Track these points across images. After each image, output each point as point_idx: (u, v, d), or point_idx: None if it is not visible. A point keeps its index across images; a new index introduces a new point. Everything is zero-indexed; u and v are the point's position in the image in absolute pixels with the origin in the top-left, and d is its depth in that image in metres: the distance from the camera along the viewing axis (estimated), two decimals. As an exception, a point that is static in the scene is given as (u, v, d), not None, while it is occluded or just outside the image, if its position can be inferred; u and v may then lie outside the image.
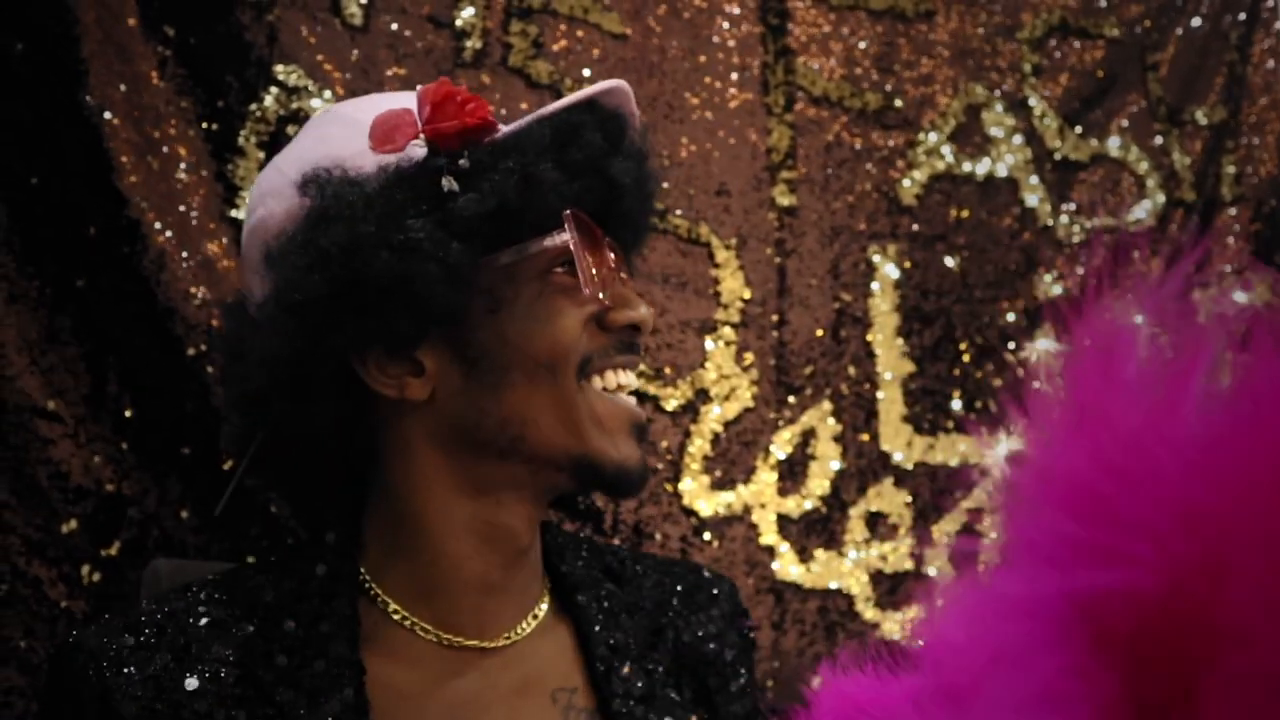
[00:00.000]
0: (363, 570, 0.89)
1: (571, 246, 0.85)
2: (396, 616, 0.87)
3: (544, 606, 0.94)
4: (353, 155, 0.84)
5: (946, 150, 1.80)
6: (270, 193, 0.88)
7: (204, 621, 0.84)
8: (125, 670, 0.81)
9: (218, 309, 1.40)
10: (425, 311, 0.82)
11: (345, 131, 0.87)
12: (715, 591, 1.03)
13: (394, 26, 1.53)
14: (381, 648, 0.86)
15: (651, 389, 1.61)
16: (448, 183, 0.82)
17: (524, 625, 0.91)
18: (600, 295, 0.86)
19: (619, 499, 0.93)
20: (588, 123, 0.86)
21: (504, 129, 0.86)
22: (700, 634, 1.00)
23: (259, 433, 0.90)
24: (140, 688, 0.80)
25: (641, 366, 0.98)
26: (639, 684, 0.92)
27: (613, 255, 0.90)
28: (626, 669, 0.93)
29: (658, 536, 1.59)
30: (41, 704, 0.88)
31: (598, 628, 0.94)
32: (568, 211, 0.85)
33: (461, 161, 0.82)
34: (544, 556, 0.97)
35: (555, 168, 0.83)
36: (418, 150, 0.84)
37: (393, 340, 0.84)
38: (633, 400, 0.90)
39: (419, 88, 0.86)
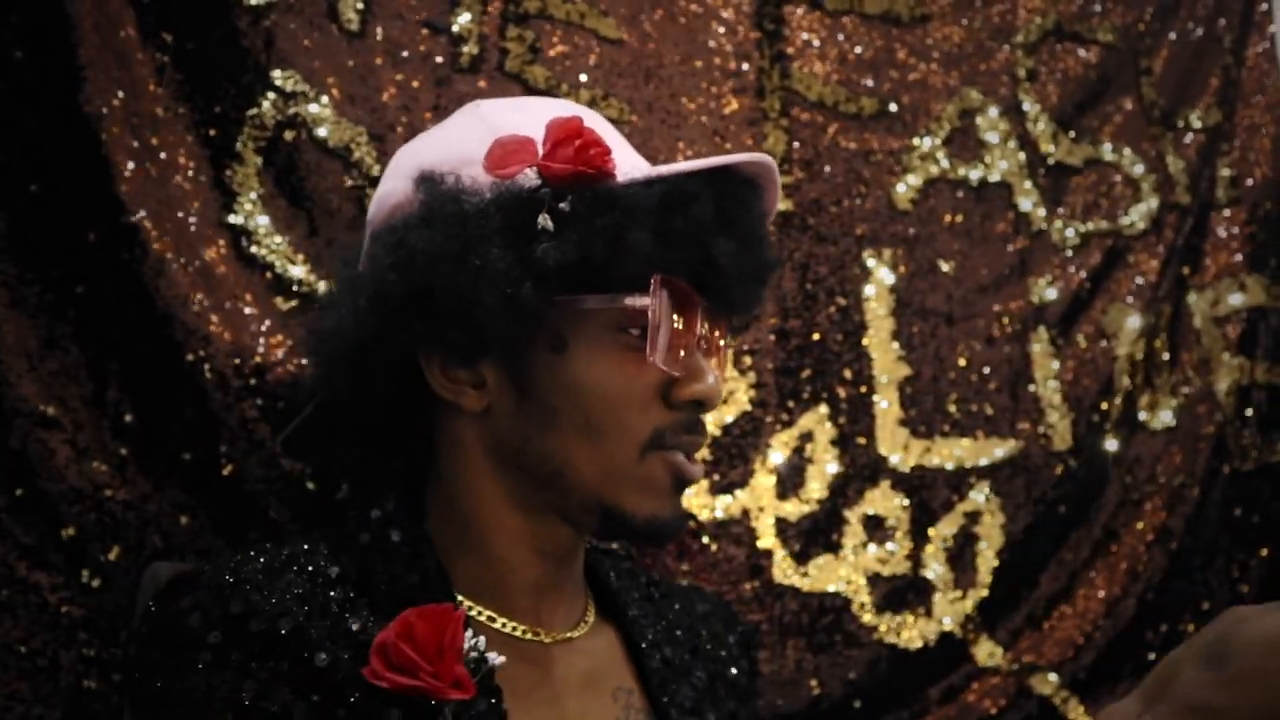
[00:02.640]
0: (440, 561, 0.89)
1: (650, 312, 0.84)
2: (463, 605, 0.88)
3: (592, 612, 0.96)
4: (478, 162, 0.86)
5: (941, 155, 1.81)
6: (400, 171, 0.90)
7: (307, 571, 0.84)
8: (270, 591, 0.80)
9: (216, 314, 1.40)
10: (483, 336, 0.83)
11: (479, 133, 0.88)
12: (726, 618, 1.06)
13: (391, 32, 1.53)
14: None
15: None
16: (543, 220, 0.81)
17: (578, 627, 0.93)
18: (662, 364, 0.85)
19: (650, 550, 0.94)
20: (704, 194, 0.84)
21: (620, 177, 0.85)
22: (724, 656, 1.03)
23: (324, 390, 0.92)
24: (300, 601, 0.80)
25: None
26: (689, 699, 0.94)
27: (706, 325, 0.89)
28: (677, 683, 0.95)
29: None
30: (155, 666, 0.81)
31: (650, 640, 0.96)
32: (658, 276, 0.84)
33: (563, 205, 0.82)
34: (585, 572, 0.99)
35: (652, 234, 0.82)
36: (528, 179, 0.84)
37: (456, 350, 0.86)
38: (691, 465, 0.89)
39: (550, 119, 0.85)
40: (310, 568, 0.84)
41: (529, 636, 0.90)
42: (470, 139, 0.88)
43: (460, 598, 0.88)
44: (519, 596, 0.90)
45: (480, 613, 0.89)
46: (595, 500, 0.87)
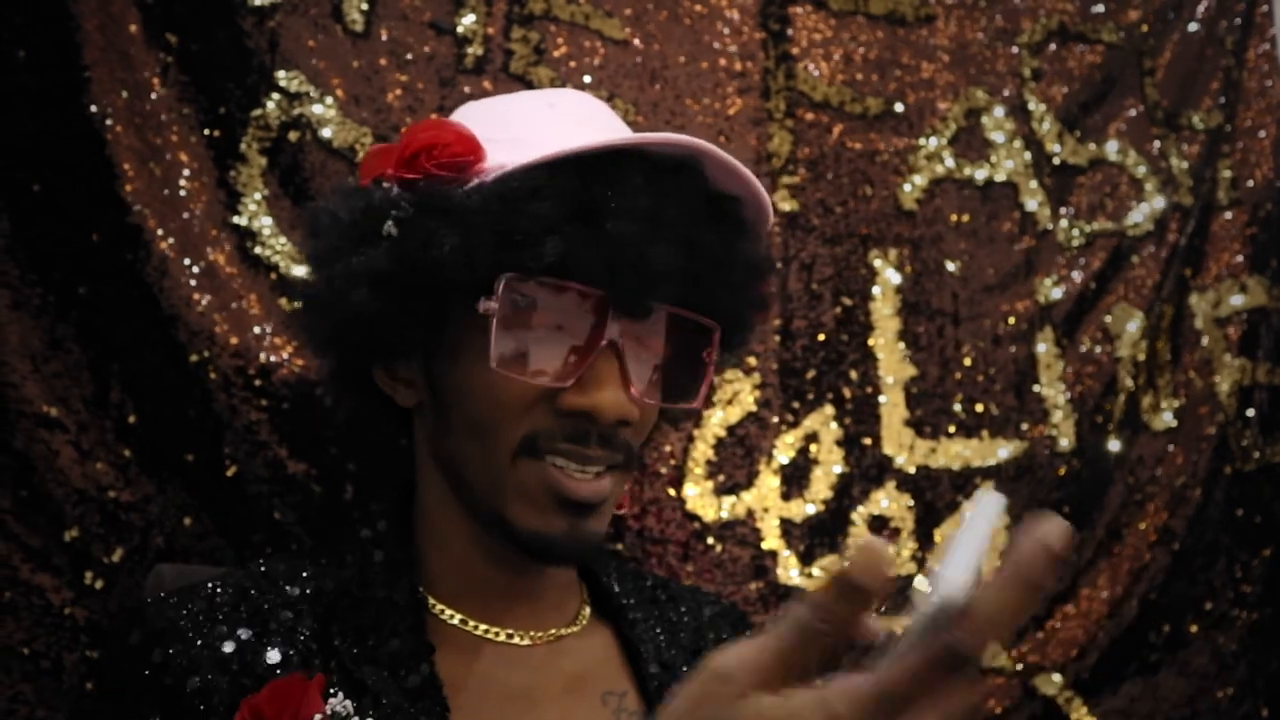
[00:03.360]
0: (418, 585, 0.89)
1: (491, 317, 0.79)
2: (436, 610, 0.88)
3: (585, 614, 0.95)
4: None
5: (947, 155, 1.80)
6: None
7: (279, 599, 0.83)
8: (200, 641, 0.79)
9: (220, 315, 1.40)
10: (365, 343, 0.85)
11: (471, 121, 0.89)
12: (735, 621, 1.05)
13: (396, 33, 1.53)
14: (434, 637, 0.86)
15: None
16: (387, 227, 0.80)
17: (565, 629, 0.92)
18: (504, 369, 0.80)
19: (547, 564, 0.88)
20: (550, 186, 0.78)
21: (479, 178, 0.81)
22: None
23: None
24: (221, 657, 0.79)
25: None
26: None
27: (624, 338, 0.82)
28: (676, 686, 0.94)
29: (661, 542, 1.59)
30: (100, 683, 0.85)
31: (648, 643, 0.95)
32: (502, 279, 0.79)
33: (401, 211, 0.81)
34: (582, 572, 0.98)
35: (493, 234, 0.78)
36: (394, 187, 0.83)
37: (375, 353, 0.88)
38: (579, 478, 0.83)
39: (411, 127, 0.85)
40: (265, 602, 0.83)
41: (502, 639, 0.89)
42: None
43: (435, 603, 0.88)
44: (490, 599, 0.89)
45: (452, 616, 0.88)
46: (486, 506, 0.84)
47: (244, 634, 0.81)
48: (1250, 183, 1.96)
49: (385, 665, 0.82)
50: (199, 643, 0.80)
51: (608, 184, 0.79)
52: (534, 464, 0.82)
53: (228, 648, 0.80)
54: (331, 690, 0.78)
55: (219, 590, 0.83)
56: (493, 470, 0.83)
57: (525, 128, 0.85)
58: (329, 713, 0.77)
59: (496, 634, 0.89)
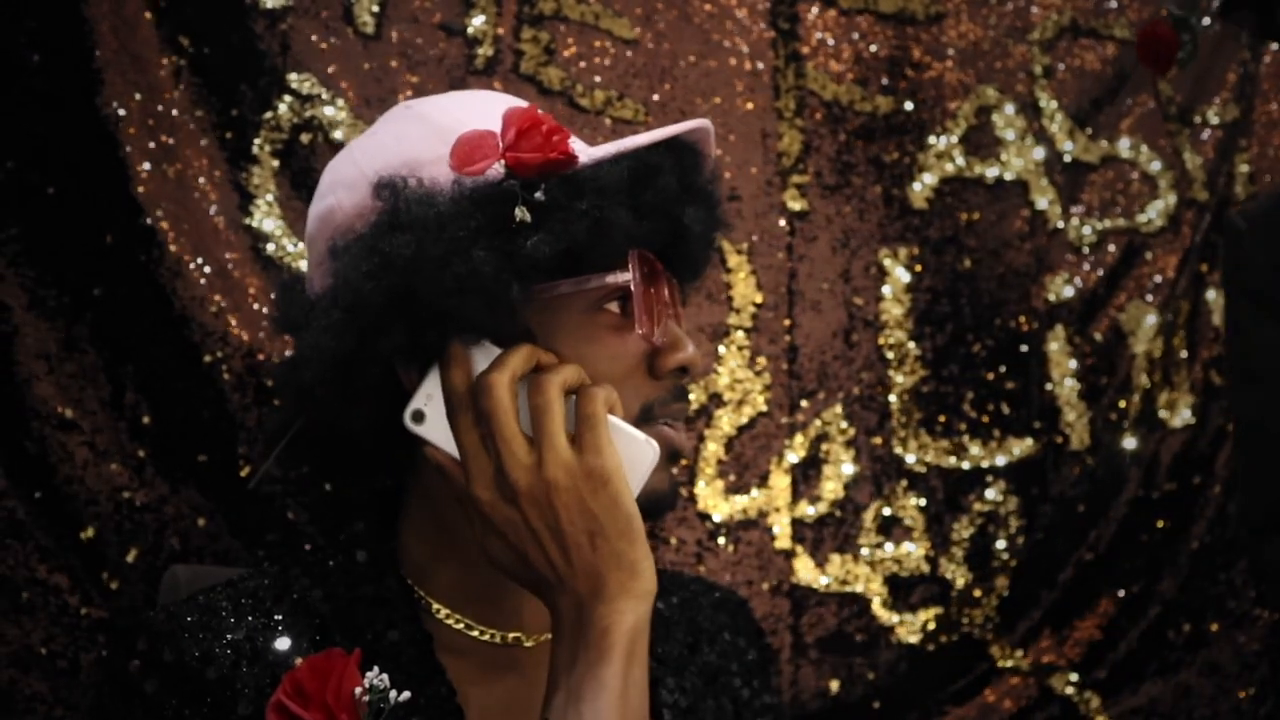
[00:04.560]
0: (405, 576, 0.89)
1: (633, 287, 0.84)
2: (440, 615, 0.88)
3: None
4: (429, 162, 0.83)
5: (957, 153, 1.80)
6: (342, 183, 0.88)
7: (278, 602, 0.85)
8: (206, 635, 0.81)
9: (233, 316, 1.41)
10: (471, 335, 0.82)
11: (423, 133, 0.86)
12: (735, 608, 1.05)
13: (406, 35, 1.54)
14: (439, 643, 0.86)
15: None
16: (521, 213, 0.80)
17: None
18: (654, 337, 0.85)
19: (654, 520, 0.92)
20: (665, 164, 0.84)
21: (582, 159, 0.83)
22: (728, 650, 1.01)
23: (300, 418, 0.91)
24: (232, 646, 0.81)
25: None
26: (682, 696, 0.93)
27: (668, 294, 0.89)
28: (671, 680, 0.94)
29: (672, 541, 1.59)
30: (113, 695, 0.85)
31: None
32: (634, 251, 0.84)
33: (538, 195, 0.80)
34: None
35: (628, 210, 0.82)
36: (495, 172, 0.82)
37: (434, 355, 0.83)
38: (680, 435, 0.89)
39: (506, 109, 0.83)
40: (264, 604, 0.84)
41: (508, 641, 0.89)
42: (412, 140, 0.86)
43: (437, 607, 0.88)
44: (505, 597, 0.88)
45: (458, 621, 0.88)
46: None
47: (250, 624, 0.82)
48: (1268, 177, 1.94)
49: (388, 658, 0.82)
50: (208, 637, 0.80)
51: (691, 165, 0.88)
52: (652, 429, 0.85)
53: (237, 636, 0.81)
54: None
55: (215, 593, 0.85)
56: None
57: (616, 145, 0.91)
58: (368, 686, 0.77)
59: (503, 638, 0.89)
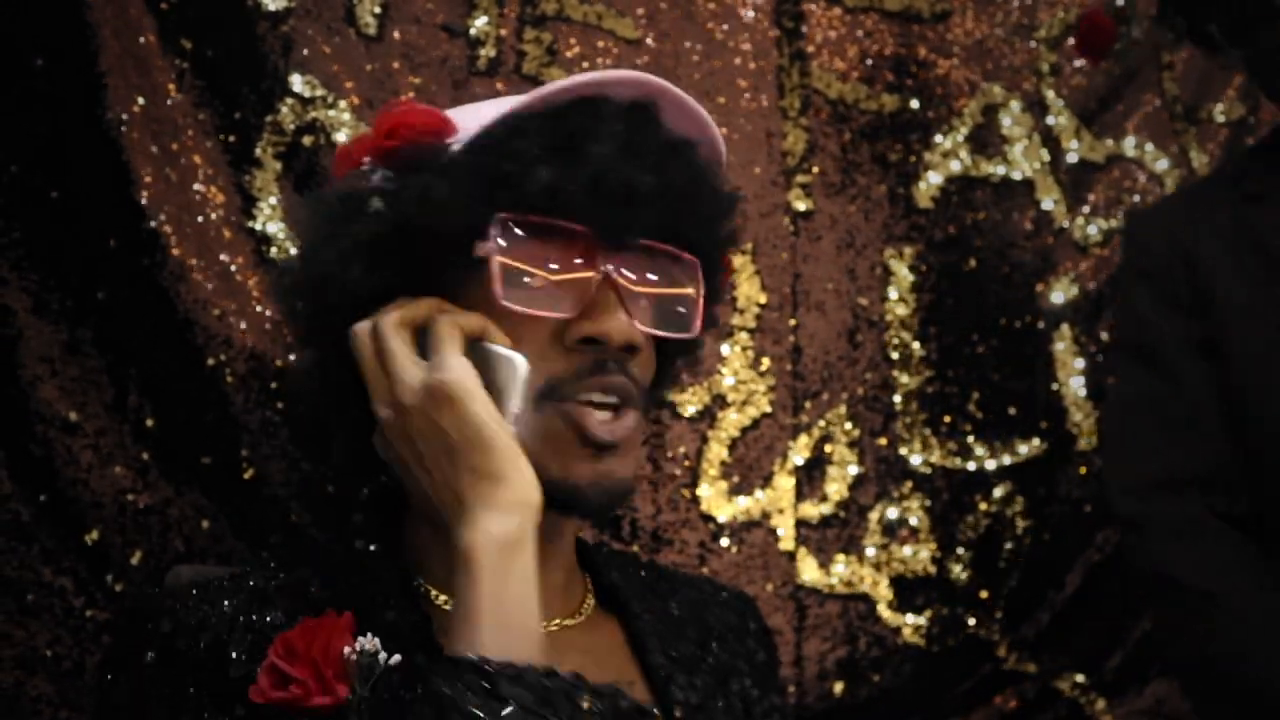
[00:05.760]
0: (404, 566, 0.89)
1: (489, 256, 0.81)
2: (439, 601, 0.87)
3: (589, 606, 0.94)
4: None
5: (963, 152, 1.79)
6: None
7: (274, 582, 0.85)
8: (204, 607, 0.81)
9: (236, 319, 1.41)
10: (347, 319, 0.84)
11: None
12: (743, 609, 1.04)
13: (408, 36, 1.53)
14: (439, 630, 0.86)
15: (668, 395, 1.61)
16: (374, 202, 0.82)
17: (569, 619, 0.92)
18: (513, 303, 0.81)
19: (589, 520, 0.89)
20: (532, 127, 0.82)
21: (460, 135, 0.84)
22: (738, 650, 1.01)
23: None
24: (227, 615, 0.81)
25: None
26: (693, 694, 0.93)
27: (611, 266, 0.84)
28: (683, 678, 0.93)
29: (676, 543, 1.59)
30: (116, 670, 0.86)
31: (653, 634, 0.94)
32: (498, 217, 0.81)
33: (375, 178, 0.83)
34: (584, 566, 0.97)
35: (476, 178, 0.81)
36: (365, 168, 0.85)
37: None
38: (600, 416, 0.83)
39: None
40: (253, 584, 0.84)
41: None
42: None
43: (435, 593, 0.87)
44: None
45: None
46: None
47: (246, 599, 0.82)
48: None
49: (387, 637, 0.82)
50: (204, 608, 0.81)
51: (583, 119, 0.82)
52: (556, 407, 0.82)
53: (232, 605, 0.81)
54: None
55: (216, 577, 0.86)
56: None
57: (492, 108, 0.88)
58: (359, 648, 0.77)
59: None
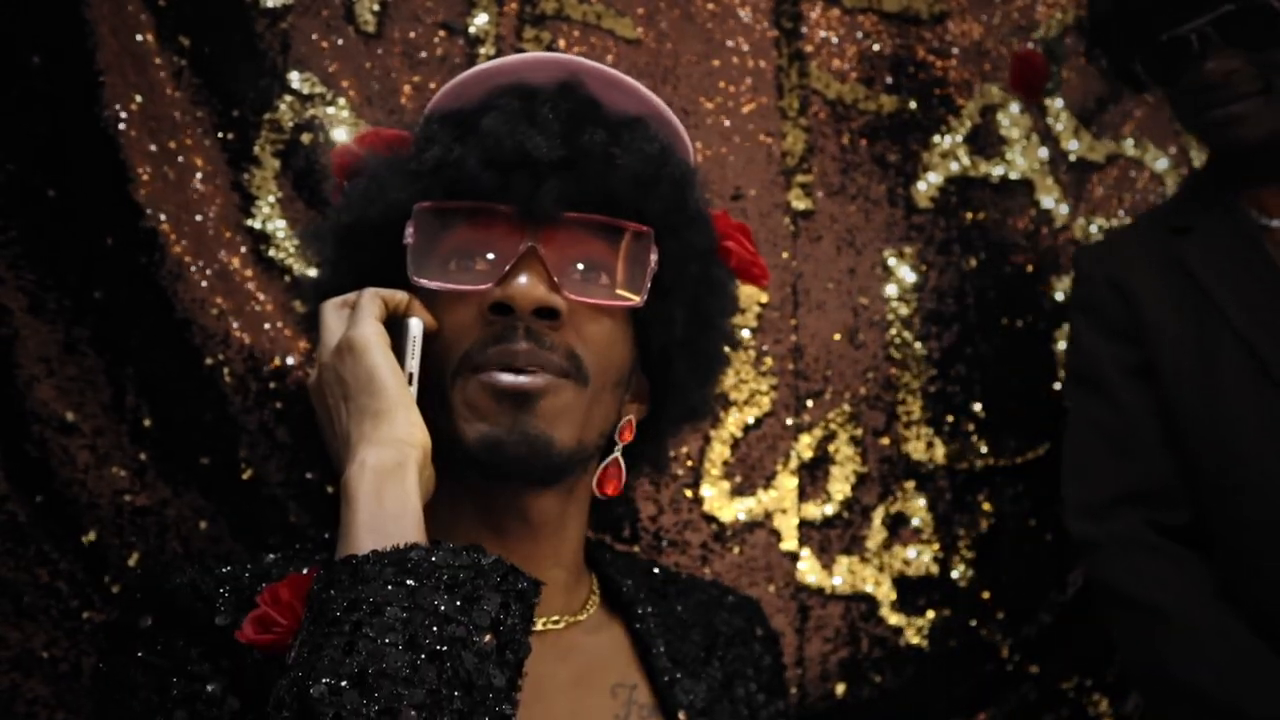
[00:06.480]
0: None
1: (406, 239, 0.90)
2: None
3: (594, 605, 0.94)
4: None
5: (962, 152, 1.79)
6: None
7: (266, 567, 0.88)
8: (201, 574, 0.86)
9: (234, 318, 1.40)
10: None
11: None
12: (750, 614, 1.04)
13: (408, 34, 1.53)
14: None
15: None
16: (334, 214, 0.99)
17: (572, 617, 0.91)
18: (425, 279, 0.89)
19: (516, 477, 0.89)
20: (444, 119, 0.92)
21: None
22: (744, 654, 1.01)
23: None
24: (220, 576, 0.85)
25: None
26: (699, 697, 0.92)
27: (540, 242, 0.87)
28: (689, 681, 0.93)
29: (678, 543, 1.58)
30: (120, 643, 0.87)
31: (659, 636, 0.94)
32: (416, 208, 0.89)
33: (346, 186, 0.97)
34: (591, 566, 0.97)
35: (403, 175, 0.91)
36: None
37: None
38: (502, 374, 0.87)
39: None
40: (249, 563, 0.88)
41: None
42: None
43: None
44: None
45: None
46: (444, 439, 0.87)
47: (241, 568, 0.87)
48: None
49: None
50: (200, 576, 0.85)
51: (485, 102, 0.91)
52: (471, 377, 0.87)
53: (226, 571, 0.86)
54: None
55: (209, 564, 0.89)
56: (439, 395, 0.87)
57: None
58: None
59: None
